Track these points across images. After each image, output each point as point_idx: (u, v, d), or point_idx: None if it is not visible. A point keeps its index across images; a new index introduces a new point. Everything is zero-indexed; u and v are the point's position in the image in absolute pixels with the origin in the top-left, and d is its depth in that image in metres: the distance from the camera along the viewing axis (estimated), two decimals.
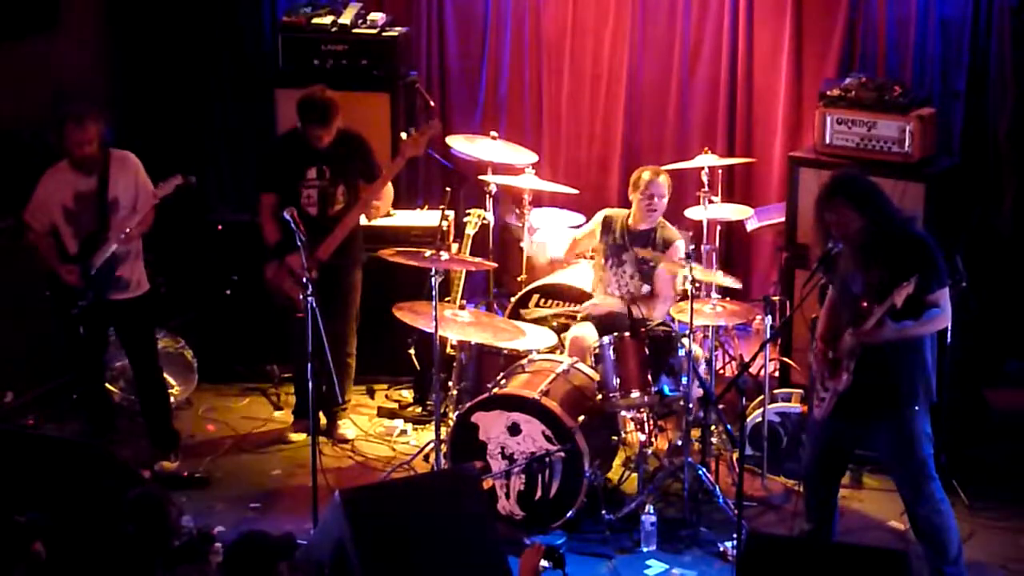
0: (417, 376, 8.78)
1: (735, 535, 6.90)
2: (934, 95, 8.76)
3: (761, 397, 7.92)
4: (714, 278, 8.09)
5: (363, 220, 8.39)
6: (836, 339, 6.49)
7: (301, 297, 7.18)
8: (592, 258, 8.47)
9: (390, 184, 8.49)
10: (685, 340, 7.55)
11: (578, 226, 9.06)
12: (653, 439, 7.67)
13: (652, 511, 7.27)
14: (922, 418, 6.51)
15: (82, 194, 7.73)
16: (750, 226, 9.11)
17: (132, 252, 7.83)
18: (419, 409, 8.74)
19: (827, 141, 8.30)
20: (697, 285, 7.81)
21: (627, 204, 8.30)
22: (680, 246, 8.16)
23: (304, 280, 7.11)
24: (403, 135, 8.53)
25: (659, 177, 8.11)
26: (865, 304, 6.36)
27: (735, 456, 7.51)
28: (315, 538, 6.43)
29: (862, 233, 6.41)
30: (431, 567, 5.99)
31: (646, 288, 8.11)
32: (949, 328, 7.21)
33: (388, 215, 9.01)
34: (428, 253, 7.57)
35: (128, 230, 7.71)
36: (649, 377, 7.46)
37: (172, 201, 7.92)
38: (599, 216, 8.36)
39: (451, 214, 8.87)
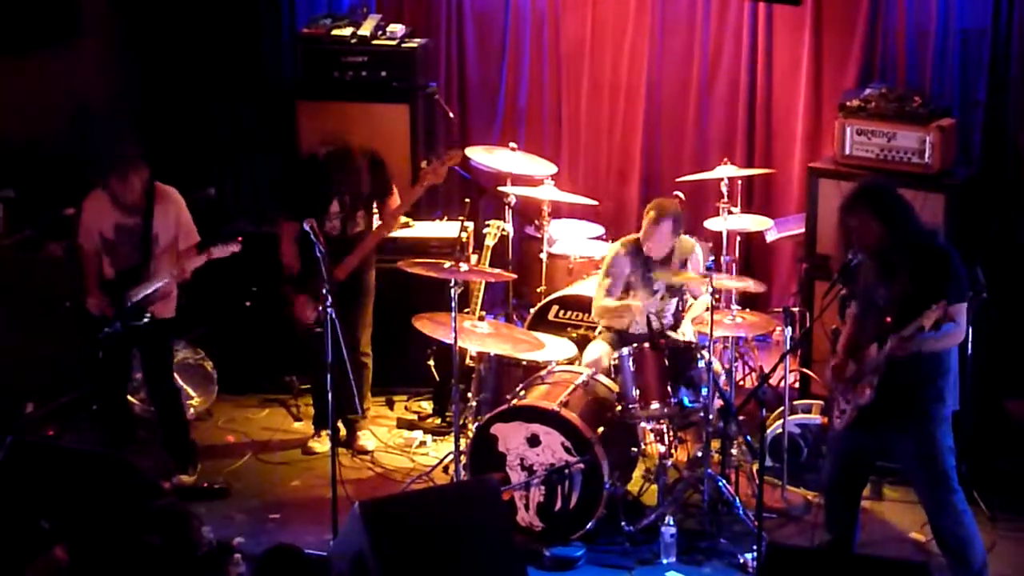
0: (436, 387, 8.78)
1: (755, 547, 6.87)
2: (954, 105, 8.74)
3: (781, 408, 7.90)
4: (736, 284, 8.08)
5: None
6: (857, 353, 6.46)
7: (320, 309, 7.18)
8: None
9: (396, 194, 8.46)
10: (705, 351, 7.54)
11: (597, 238, 9.05)
12: (673, 451, 7.65)
13: (672, 523, 7.25)
14: (943, 429, 6.46)
15: (122, 226, 7.80)
16: (769, 237, 9.09)
17: (168, 292, 7.88)
18: (438, 420, 8.74)
19: (847, 152, 8.29)
20: (717, 296, 7.79)
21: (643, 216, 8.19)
22: (698, 257, 8.13)
23: (323, 291, 7.12)
24: (424, 164, 8.50)
25: (663, 224, 7.87)
26: (889, 320, 6.30)
27: (755, 467, 7.50)
28: (335, 550, 6.43)
29: (883, 244, 6.37)
30: None
31: (674, 303, 8.07)
32: (970, 338, 7.19)
33: (407, 226, 9.02)
34: (447, 264, 7.59)
35: (173, 275, 7.77)
36: (669, 388, 7.45)
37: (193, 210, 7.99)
38: (616, 249, 8.13)
39: (470, 225, 8.86)
